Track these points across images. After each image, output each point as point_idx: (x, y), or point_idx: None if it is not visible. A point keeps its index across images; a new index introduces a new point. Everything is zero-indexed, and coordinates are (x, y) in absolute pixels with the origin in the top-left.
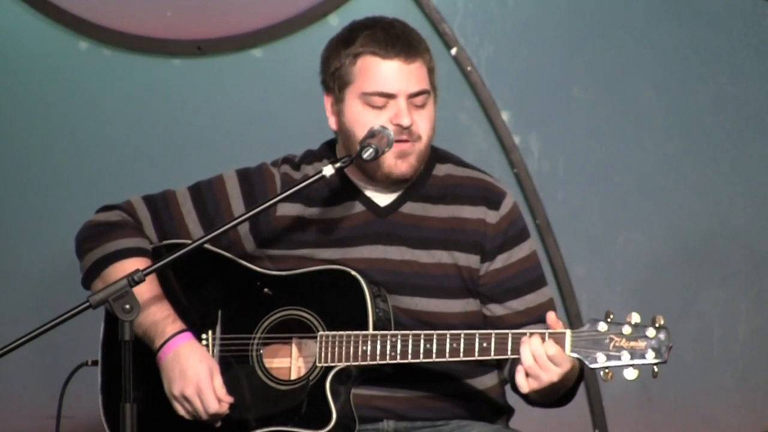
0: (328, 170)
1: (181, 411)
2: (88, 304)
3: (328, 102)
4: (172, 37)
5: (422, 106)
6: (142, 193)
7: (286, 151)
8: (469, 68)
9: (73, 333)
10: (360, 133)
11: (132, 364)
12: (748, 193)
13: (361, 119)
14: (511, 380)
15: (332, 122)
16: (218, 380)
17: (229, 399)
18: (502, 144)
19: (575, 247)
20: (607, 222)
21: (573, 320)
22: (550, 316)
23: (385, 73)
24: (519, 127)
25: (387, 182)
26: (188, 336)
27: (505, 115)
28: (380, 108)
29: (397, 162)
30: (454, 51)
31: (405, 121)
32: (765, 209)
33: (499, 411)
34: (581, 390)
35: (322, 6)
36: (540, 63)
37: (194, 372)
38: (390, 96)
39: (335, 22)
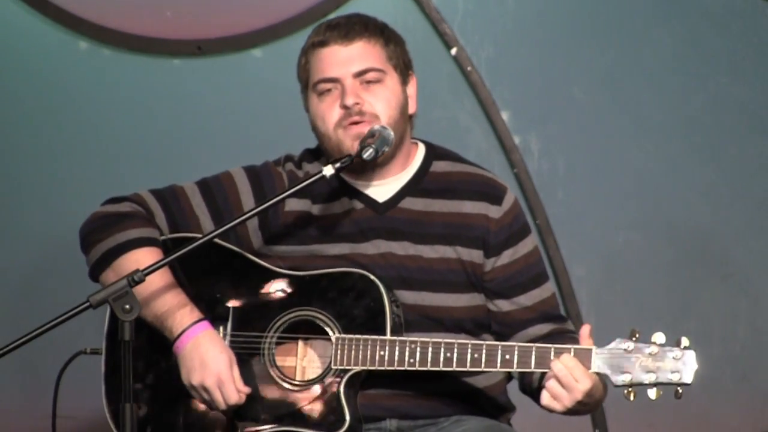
0: (328, 170)
1: (200, 401)
2: (88, 303)
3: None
4: (172, 37)
5: (375, 83)
6: None
7: (286, 150)
8: (469, 68)
9: (70, 321)
10: (321, 125)
11: (136, 359)
12: (748, 193)
13: (319, 111)
14: (536, 395)
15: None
16: (236, 371)
17: (247, 390)
18: (502, 144)
19: (575, 247)
20: (607, 222)
21: (573, 320)
22: (585, 329)
23: (324, 59)
24: (519, 127)
25: (358, 168)
26: (207, 325)
27: (505, 115)
28: (329, 93)
29: (354, 144)
30: (454, 51)
31: (348, 101)
32: (765, 209)
33: (502, 408)
34: None
35: (322, 6)
36: (540, 63)
37: (215, 362)
38: (334, 80)
39: None
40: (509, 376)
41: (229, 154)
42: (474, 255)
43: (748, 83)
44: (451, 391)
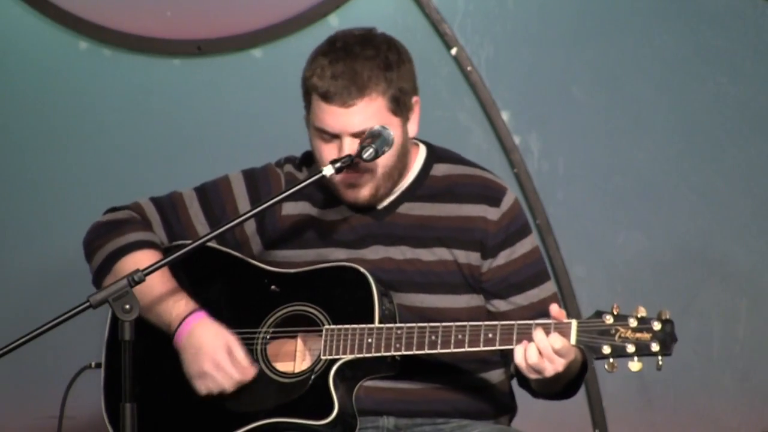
0: (328, 170)
1: (204, 390)
2: (88, 303)
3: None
4: (172, 37)
5: None
6: (143, 193)
7: (287, 151)
8: (469, 68)
9: (76, 335)
10: (318, 157)
11: (135, 364)
12: (748, 193)
13: (317, 147)
14: (517, 371)
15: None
16: (239, 352)
17: (253, 368)
18: (502, 144)
19: (575, 247)
20: (607, 222)
21: None
22: (554, 308)
23: (326, 115)
24: (519, 127)
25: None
26: (201, 314)
27: (505, 115)
28: (329, 141)
29: (346, 190)
30: (454, 51)
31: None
32: (765, 209)
33: (503, 410)
34: (581, 390)
35: (322, 6)
36: (540, 63)
37: (210, 347)
38: (334, 135)
39: (335, 22)
40: (511, 376)
41: (228, 154)
42: (471, 257)
43: (748, 83)
44: (454, 388)
